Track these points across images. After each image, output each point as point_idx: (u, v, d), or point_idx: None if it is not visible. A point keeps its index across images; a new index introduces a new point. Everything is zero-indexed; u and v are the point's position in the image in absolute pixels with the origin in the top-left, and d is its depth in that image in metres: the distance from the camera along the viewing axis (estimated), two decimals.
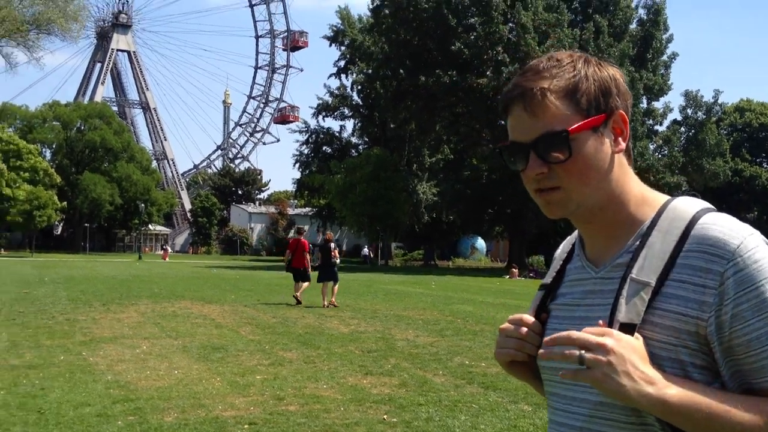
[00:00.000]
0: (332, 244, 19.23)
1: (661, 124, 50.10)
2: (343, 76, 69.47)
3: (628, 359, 1.17)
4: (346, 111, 70.79)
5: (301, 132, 72.08)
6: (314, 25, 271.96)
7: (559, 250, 1.55)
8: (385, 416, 7.05)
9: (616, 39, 44.67)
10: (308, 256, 19.31)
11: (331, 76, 71.17)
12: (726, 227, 1.23)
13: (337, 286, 18.97)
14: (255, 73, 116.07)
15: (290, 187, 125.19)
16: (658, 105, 48.99)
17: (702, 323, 1.20)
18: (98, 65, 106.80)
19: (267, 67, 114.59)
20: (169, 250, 68.66)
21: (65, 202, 70.06)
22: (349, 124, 73.94)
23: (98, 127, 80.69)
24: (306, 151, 72.39)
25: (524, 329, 1.40)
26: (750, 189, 67.22)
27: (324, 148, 72.35)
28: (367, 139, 71.19)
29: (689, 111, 49.58)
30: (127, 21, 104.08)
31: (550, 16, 43.21)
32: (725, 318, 1.19)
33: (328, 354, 10.83)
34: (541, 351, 1.31)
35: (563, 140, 1.26)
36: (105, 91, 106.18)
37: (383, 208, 53.61)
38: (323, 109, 70.14)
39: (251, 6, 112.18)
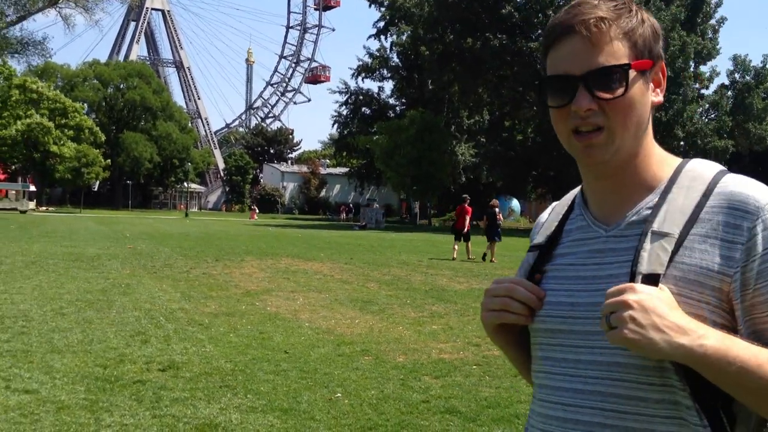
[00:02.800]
0: (496, 209, 22.41)
1: (707, 88, 50.45)
2: (382, 37, 69.93)
3: (653, 310, 1.11)
4: (385, 72, 71.33)
5: (340, 93, 72.74)
6: None
7: (546, 214, 1.48)
8: None
9: (665, 3, 44.84)
10: (468, 219, 22.37)
11: (370, 37, 71.58)
12: (751, 186, 1.22)
13: (495, 245, 21.84)
14: (286, 32, 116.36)
15: (320, 147, 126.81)
16: (704, 69, 49.32)
17: (727, 279, 1.17)
18: (132, 24, 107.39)
19: (299, 27, 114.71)
20: (257, 210, 70.36)
21: (109, 160, 71.54)
22: (387, 86, 74.17)
23: (138, 86, 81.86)
24: (345, 112, 73.14)
25: (516, 288, 1.33)
26: None
27: (363, 109, 73.03)
28: (404, 101, 71.75)
29: (737, 75, 49.84)
30: None
31: None
32: (751, 275, 1.16)
33: (465, 308, 11.87)
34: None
35: (623, 75, 1.22)
36: (139, 50, 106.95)
37: (426, 169, 54.48)
38: (362, 70, 70.70)
39: None
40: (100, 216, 56.26)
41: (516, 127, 57.55)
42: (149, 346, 8.05)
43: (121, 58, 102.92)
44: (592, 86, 1.21)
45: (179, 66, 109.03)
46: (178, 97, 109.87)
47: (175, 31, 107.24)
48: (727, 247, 1.18)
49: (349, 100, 72.32)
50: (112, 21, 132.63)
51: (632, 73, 1.22)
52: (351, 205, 78.58)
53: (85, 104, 76.99)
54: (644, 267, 1.19)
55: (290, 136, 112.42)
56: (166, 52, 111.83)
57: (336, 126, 75.69)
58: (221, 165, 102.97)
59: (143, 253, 19.93)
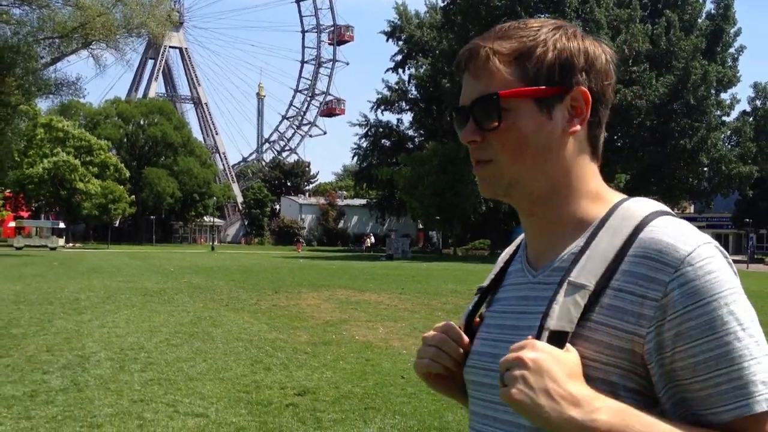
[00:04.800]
0: None
1: (728, 115, 51.11)
2: (400, 70, 71.09)
3: (549, 373, 0.99)
4: (404, 104, 72.36)
5: (360, 125, 73.74)
6: (359, 18, 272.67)
7: (504, 252, 1.39)
8: None
9: (685, 33, 45.65)
10: None
11: (388, 70, 72.70)
12: (678, 232, 1.06)
13: None
14: (301, 67, 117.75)
15: (335, 179, 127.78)
16: (725, 96, 49.98)
17: (638, 339, 1.03)
18: (150, 62, 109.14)
19: (313, 62, 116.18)
20: (303, 243, 71.37)
21: (133, 196, 72.55)
22: (406, 117, 75.25)
23: (159, 122, 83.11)
24: (365, 144, 74.08)
25: (443, 338, 1.27)
26: None
27: (383, 141, 73.98)
28: (423, 132, 72.66)
29: (758, 102, 50.49)
30: (178, 18, 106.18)
31: (623, 12, 44.36)
32: (667, 336, 1.02)
33: None
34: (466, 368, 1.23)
35: (493, 105, 1.13)
36: (157, 87, 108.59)
37: (450, 199, 55.15)
38: (381, 103, 71.75)
39: (297, 2, 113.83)
40: (129, 251, 57.00)
41: None
42: (273, 373, 8.61)
43: (139, 94, 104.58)
44: (476, 118, 1.15)
45: (197, 102, 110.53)
46: (195, 133, 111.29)
47: (193, 68, 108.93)
48: (640, 302, 1.03)
49: (369, 133, 73.29)
50: (131, 59, 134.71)
51: (515, 103, 1.13)
52: (372, 236, 79.25)
53: (109, 141, 78.01)
54: (553, 322, 1.07)
55: (307, 169, 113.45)
56: (183, 89, 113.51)
57: (356, 158, 76.63)
58: (240, 198, 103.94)
59: (202, 287, 20.52)
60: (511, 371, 1.01)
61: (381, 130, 73.33)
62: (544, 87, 1.14)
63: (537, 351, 1.01)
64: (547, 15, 46.17)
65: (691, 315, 1.01)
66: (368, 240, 73.37)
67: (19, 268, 30.01)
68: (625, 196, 1.19)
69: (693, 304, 1.01)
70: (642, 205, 1.14)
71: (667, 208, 1.15)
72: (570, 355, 1.04)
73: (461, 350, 1.27)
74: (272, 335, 11.60)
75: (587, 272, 1.08)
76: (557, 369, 1.00)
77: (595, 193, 1.18)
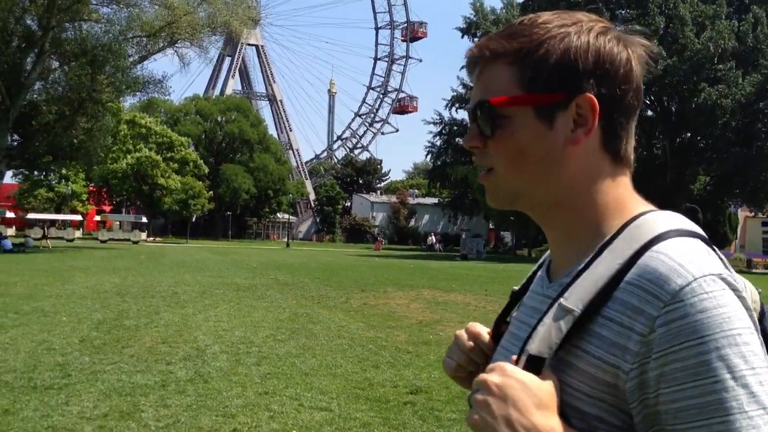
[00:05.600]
0: None
1: None
2: None
3: (514, 402, 0.93)
4: None
5: (434, 123, 73.81)
6: (432, 15, 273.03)
7: (543, 256, 1.31)
8: None
9: None
10: None
11: (463, 68, 72.25)
12: (678, 260, 0.95)
13: None
14: (374, 64, 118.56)
15: (406, 177, 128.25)
16: None
17: (622, 375, 0.94)
18: (227, 59, 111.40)
19: (386, 58, 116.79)
20: (383, 241, 72.34)
21: (211, 192, 74.32)
22: None
23: (236, 119, 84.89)
24: (438, 142, 74.10)
25: (470, 343, 1.26)
26: None
27: (457, 139, 73.85)
28: None
29: None
30: (255, 16, 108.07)
31: (708, 8, 43.30)
32: (651, 375, 0.92)
33: None
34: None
35: (486, 112, 1.07)
36: (233, 84, 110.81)
37: None
38: (456, 101, 71.62)
39: None
40: (208, 246, 58.49)
41: None
42: (383, 371, 8.85)
43: (216, 91, 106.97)
44: (478, 123, 1.09)
45: (272, 99, 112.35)
46: (270, 130, 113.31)
47: (269, 65, 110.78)
48: (626, 335, 0.94)
49: (443, 131, 73.26)
50: (209, 56, 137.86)
51: (510, 110, 1.06)
52: (434, 235, 79.26)
53: (189, 138, 79.98)
54: (533, 346, 1.00)
55: (379, 167, 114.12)
56: (258, 86, 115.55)
57: (429, 156, 76.73)
58: (312, 195, 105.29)
59: (289, 284, 21.01)
60: (477, 394, 0.97)
61: (455, 128, 73.15)
62: (542, 94, 1.05)
63: (504, 376, 0.96)
64: (629, 11, 45.45)
65: (677, 356, 0.90)
66: (430, 239, 73.59)
67: (110, 260, 31.19)
68: (650, 208, 1.08)
69: (679, 344, 0.90)
70: (656, 222, 1.03)
71: (690, 227, 1.03)
72: (544, 384, 0.96)
73: (485, 357, 1.26)
74: (371, 333, 11.86)
75: (577, 296, 1.00)
76: (524, 398, 0.94)
77: (615, 204, 1.08)
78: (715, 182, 49.39)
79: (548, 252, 1.25)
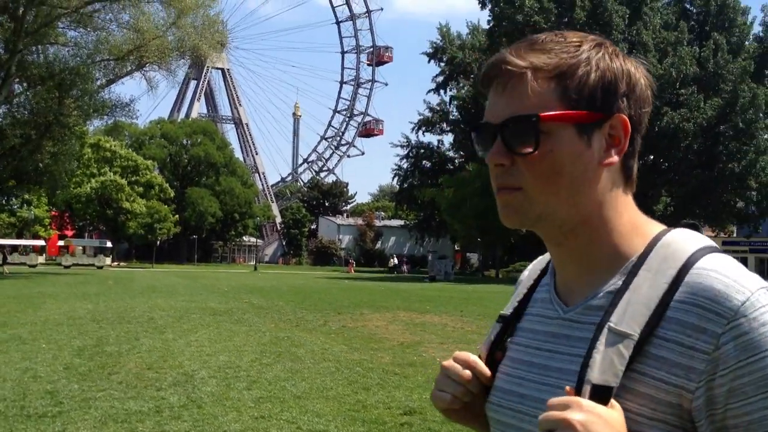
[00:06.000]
0: None
1: None
2: (441, 91, 71.62)
3: None
4: (445, 126, 72.80)
5: (401, 146, 74.32)
6: (397, 39, 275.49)
7: (525, 273, 1.31)
8: None
9: (733, 56, 45.50)
10: None
11: (429, 91, 73.22)
12: (730, 276, 0.97)
13: None
14: (340, 87, 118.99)
15: (371, 199, 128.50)
16: None
17: (687, 395, 0.95)
18: (192, 82, 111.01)
19: (352, 82, 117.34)
20: (354, 263, 72.22)
21: (177, 215, 73.71)
22: (446, 138, 75.70)
23: (202, 142, 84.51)
24: (405, 165, 74.56)
25: (467, 373, 1.17)
26: None
27: (423, 162, 74.41)
28: (463, 153, 72.95)
29: None
30: (223, 40, 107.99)
31: (670, 34, 44.41)
32: (719, 392, 0.94)
33: None
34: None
35: (531, 127, 1.03)
36: (199, 108, 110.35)
37: (492, 221, 55.28)
38: (423, 124, 72.25)
39: (338, 23, 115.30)
40: (175, 270, 57.91)
41: None
42: (374, 393, 8.89)
43: (182, 114, 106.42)
44: (507, 138, 1.05)
45: (237, 122, 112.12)
46: (236, 153, 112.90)
47: (235, 88, 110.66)
48: (689, 355, 0.96)
49: (410, 154, 73.77)
50: (179, 79, 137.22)
51: (555, 127, 1.03)
52: (406, 257, 79.66)
53: (154, 161, 79.39)
54: (595, 375, 0.98)
55: (345, 189, 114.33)
56: (224, 109, 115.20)
57: (396, 179, 77.14)
58: (278, 218, 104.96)
59: (265, 307, 20.93)
60: None
61: (422, 151, 73.78)
62: (586, 111, 1.04)
63: (585, 412, 0.93)
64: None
65: (745, 370, 0.93)
66: (392, 260, 74.12)
67: (78, 286, 30.76)
68: (663, 228, 1.11)
69: (747, 358, 0.93)
70: (685, 241, 1.06)
71: (711, 242, 1.07)
72: (615, 414, 0.95)
73: (483, 387, 1.19)
74: (355, 356, 11.89)
75: (630, 318, 1.00)
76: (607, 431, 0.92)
77: (631, 225, 1.09)
78: (679, 203, 50.32)
79: (534, 274, 1.26)
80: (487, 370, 1.18)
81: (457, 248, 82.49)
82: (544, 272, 1.24)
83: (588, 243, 1.09)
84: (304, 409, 7.88)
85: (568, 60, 1.04)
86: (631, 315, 1.00)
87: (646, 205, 48.46)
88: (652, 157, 48.95)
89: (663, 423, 0.97)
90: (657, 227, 1.10)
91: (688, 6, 49.77)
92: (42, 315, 17.16)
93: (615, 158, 1.06)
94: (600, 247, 1.08)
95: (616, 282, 1.05)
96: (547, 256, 1.24)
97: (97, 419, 7.14)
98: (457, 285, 41.85)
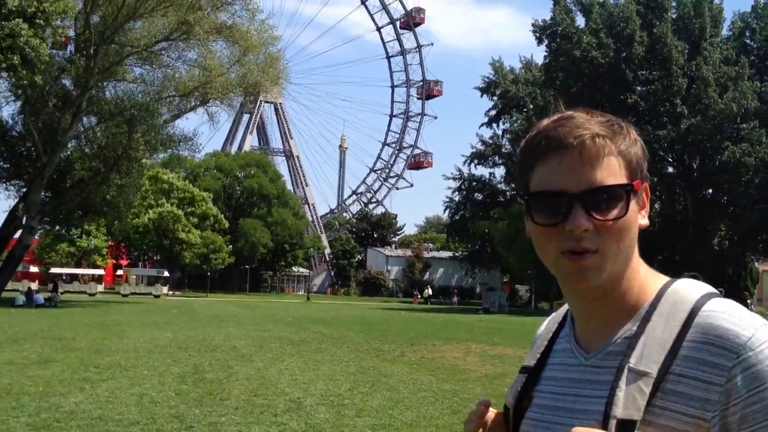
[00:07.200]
0: None
1: None
2: (494, 124, 72.08)
3: None
4: (497, 158, 73.10)
5: (454, 179, 74.71)
6: (447, 73, 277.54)
7: (542, 328, 1.42)
8: None
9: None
10: None
11: (482, 125, 73.69)
12: (735, 316, 1.11)
13: None
14: (390, 120, 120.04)
15: (418, 231, 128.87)
16: None
17: (704, 424, 1.07)
18: (245, 116, 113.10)
19: (402, 115, 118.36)
20: (419, 295, 73.08)
21: (231, 246, 74.88)
22: (498, 171, 75.92)
23: (255, 174, 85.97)
24: (458, 198, 74.87)
25: (486, 421, 1.33)
26: None
27: (475, 194, 74.64)
28: (514, 186, 73.00)
29: None
30: (285, 76, 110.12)
31: (731, 69, 44.22)
32: (733, 419, 1.06)
33: None
34: None
35: (624, 195, 1.15)
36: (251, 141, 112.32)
37: None
38: (475, 157, 72.65)
39: (388, 57, 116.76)
40: (229, 300, 58.76)
41: None
42: None
43: (234, 147, 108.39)
44: (590, 206, 1.13)
45: (288, 155, 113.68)
46: (287, 185, 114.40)
47: (286, 122, 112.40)
48: (704, 388, 1.08)
49: (462, 186, 74.11)
50: (228, 113, 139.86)
51: (624, 194, 1.15)
52: (455, 289, 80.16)
53: (209, 193, 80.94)
54: (619, 410, 1.09)
55: (394, 221, 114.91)
56: (275, 142, 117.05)
57: (447, 211, 77.51)
58: (327, 249, 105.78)
59: (336, 337, 21.31)
60: None
61: (474, 183, 74.05)
62: (640, 180, 1.19)
63: None
64: (653, 72, 46.37)
65: (755, 399, 1.06)
66: (427, 291, 75.03)
67: (143, 315, 31.54)
68: (668, 279, 1.24)
69: (756, 388, 1.06)
70: (691, 288, 1.19)
71: (713, 288, 1.20)
72: None
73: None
74: (447, 386, 12.15)
75: (647, 359, 1.12)
76: None
77: (644, 278, 1.22)
78: (738, 237, 49.64)
79: (551, 326, 1.38)
80: (502, 422, 1.34)
81: (505, 280, 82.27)
82: (561, 325, 1.36)
83: (620, 297, 1.20)
84: None
85: (626, 138, 1.19)
86: (648, 356, 1.12)
87: (704, 238, 47.67)
88: (710, 191, 48.52)
89: None
90: (662, 278, 1.24)
91: (748, 41, 49.52)
92: (129, 343, 17.77)
93: (646, 220, 1.22)
94: (626, 298, 1.20)
95: (630, 328, 1.18)
96: (561, 311, 1.38)
97: None
98: (511, 317, 41.76)
